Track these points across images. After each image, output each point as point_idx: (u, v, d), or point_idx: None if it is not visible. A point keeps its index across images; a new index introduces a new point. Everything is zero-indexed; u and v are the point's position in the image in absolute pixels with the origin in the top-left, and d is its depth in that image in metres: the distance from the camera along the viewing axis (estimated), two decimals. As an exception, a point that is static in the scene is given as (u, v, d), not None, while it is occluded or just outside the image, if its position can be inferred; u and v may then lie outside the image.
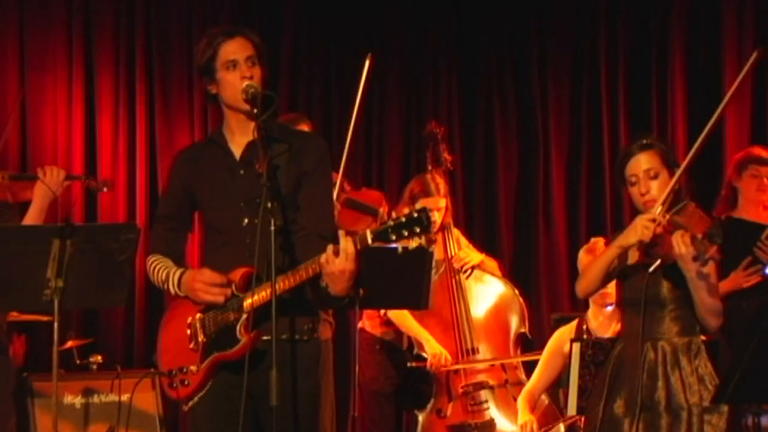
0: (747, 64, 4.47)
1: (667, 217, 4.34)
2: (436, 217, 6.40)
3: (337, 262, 3.98)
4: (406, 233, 3.99)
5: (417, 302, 5.66)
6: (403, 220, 3.97)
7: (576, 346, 5.29)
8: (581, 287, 4.65)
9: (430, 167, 6.45)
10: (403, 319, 6.27)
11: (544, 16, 8.45)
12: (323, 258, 3.99)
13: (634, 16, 8.23)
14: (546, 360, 6.13)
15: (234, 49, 4.22)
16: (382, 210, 6.30)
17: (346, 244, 3.98)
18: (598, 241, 5.95)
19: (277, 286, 4.01)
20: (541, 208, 8.34)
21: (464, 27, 8.54)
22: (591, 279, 4.56)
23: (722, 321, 4.42)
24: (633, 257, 4.49)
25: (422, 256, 5.66)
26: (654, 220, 4.31)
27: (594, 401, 4.65)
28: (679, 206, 4.44)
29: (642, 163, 4.47)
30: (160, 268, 4.31)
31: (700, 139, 4.43)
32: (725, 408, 4.40)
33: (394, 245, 5.74)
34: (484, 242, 8.29)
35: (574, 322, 6.05)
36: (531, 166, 8.40)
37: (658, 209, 4.37)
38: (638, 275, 4.47)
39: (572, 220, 8.30)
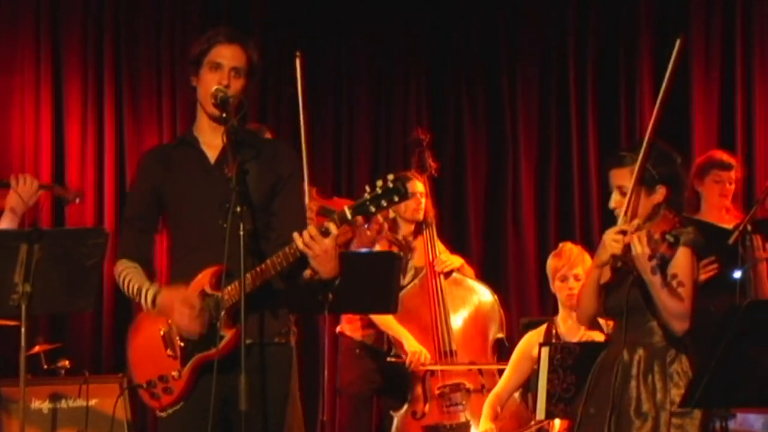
0: (673, 53, 4.50)
1: (636, 224, 4.35)
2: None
3: (317, 244, 3.96)
4: (385, 203, 3.99)
5: (386, 307, 5.69)
6: (380, 191, 3.96)
7: (545, 350, 5.29)
8: (580, 317, 4.69)
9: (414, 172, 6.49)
10: (384, 318, 6.28)
11: (512, 22, 8.46)
12: (299, 242, 3.97)
13: (602, 21, 8.26)
14: (514, 364, 6.15)
15: (225, 54, 4.20)
16: (359, 219, 6.32)
17: (328, 225, 3.97)
18: (566, 246, 5.98)
19: (254, 275, 4.00)
20: (510, 214, 8.35)
21: (433, 31, 8.55)
22: (585, 306, 4.58)
23: (688, 325, 4.37)
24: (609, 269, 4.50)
25: (391, 260, 5.69)
26: (623, 232, 4.33)
27: (576, 404, 4.67)
28: (655, 216, 4.46)
29: (615, 177, 4.52)
30: (131, 281, 4.23)
31: (644, 145, 4.47)
32: (697, 413, 4.38)
33: (364, 249, 5.77)
34: (453, 248, 8.30)
35: (543, 326, 6.07)
36: (500, 171, 8.42)
37: (621, 220, 4.39)
38: (619, 284, 4.47)
39: (541, 226, 8.32)
